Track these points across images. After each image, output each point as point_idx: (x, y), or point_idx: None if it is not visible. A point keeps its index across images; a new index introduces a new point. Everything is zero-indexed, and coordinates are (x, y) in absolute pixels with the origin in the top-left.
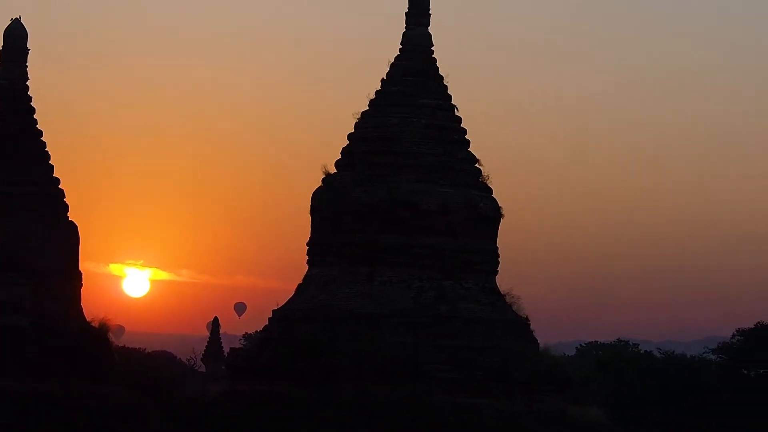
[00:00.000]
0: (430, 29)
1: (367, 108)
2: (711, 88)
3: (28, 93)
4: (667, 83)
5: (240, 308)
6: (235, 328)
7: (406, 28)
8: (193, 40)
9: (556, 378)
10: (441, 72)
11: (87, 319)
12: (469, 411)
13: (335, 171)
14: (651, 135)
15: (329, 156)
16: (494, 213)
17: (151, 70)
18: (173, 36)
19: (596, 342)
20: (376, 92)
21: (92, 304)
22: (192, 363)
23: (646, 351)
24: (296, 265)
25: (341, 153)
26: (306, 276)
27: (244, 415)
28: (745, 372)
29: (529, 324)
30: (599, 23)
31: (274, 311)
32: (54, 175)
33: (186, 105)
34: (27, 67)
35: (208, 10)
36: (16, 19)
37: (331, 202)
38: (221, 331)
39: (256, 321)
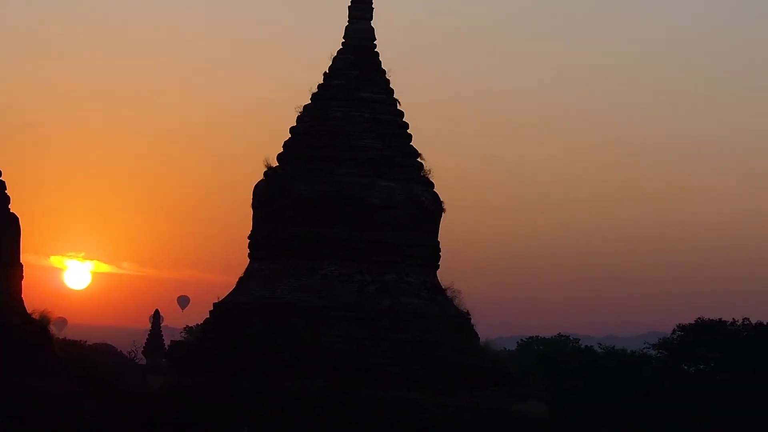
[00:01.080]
0: (372, 23)
1: (310, 102)
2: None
3: None
4: (605, 73)
5: (183, 301)
6: (178, 321)
7: (348, 22)
8: (133, 32)
9: (497, 372)
10: (383, 66)
11: (28, 312)
12: (409, 405)
13: (277, 164)
14: (592, 128)
15: (272, 149)
16: (436, 207)
17: (93, 62)
18: (114, 27)
19: (537, 337)
20: (319, 86)
21: (33, 296)
22: (133, 356)
23: (586, 346)
24: (239, 258)
25: (284, 146)
26: (247, 269)
27: (184, 407)
28: (685, 367)
29: (470, 318)
30: (541, 15)
31: (215, 304)
32: None
33: (128, 98)
34: None
35: (149, 1)
36: None
37: (273, 196)
38: (164, 324)
39: (200, 314)
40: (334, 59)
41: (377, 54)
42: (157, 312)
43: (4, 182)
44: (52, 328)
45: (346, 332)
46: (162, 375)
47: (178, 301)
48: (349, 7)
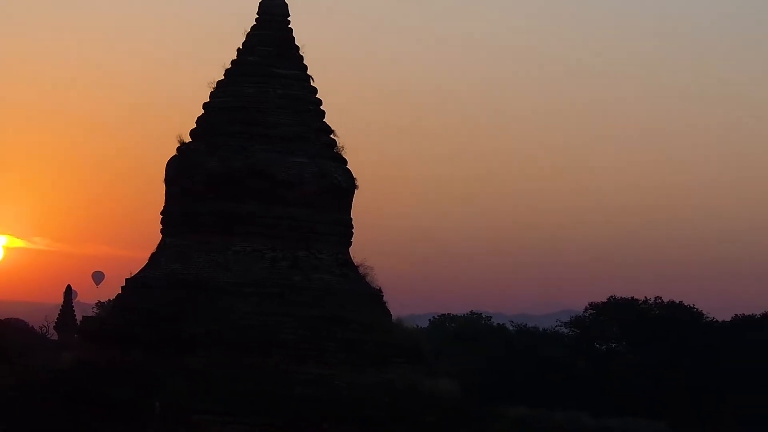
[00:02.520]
0: None
1: (223, 78)
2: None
3: None
4: (512, 48)
5: (98, 277)
6: (92, 297)
7: None
8: (47, 12)
9: (408, 350)
10: (297, 42)
11: None
12: (320, 382)
13: (190, 140)
14: (505, 105)
15: (185, 126)
16: (349, 184)
17: (8, 42)
18: (26, 6)
19: (449, 314)
20: (232, 62)
21: None
22: (45, 331)
23: (499, 324)
24: (154, 234)
25: (196, 122)
26: (160, 245)
27: (95, 383)
28: (597, 345)
29: (383, 295)
30: None
31: (127, 280)
32: None
33: (42, 75)
34: None
35: None
36: None
37: (185, 172)
38: (78, 300)
39: (114, 290)
40: (248, 35)
41: (291, 30)
42: (69, 287)
43: None
44: None
45: (257, 308)
46: (73, 350)
47: (92, 277)
48: None
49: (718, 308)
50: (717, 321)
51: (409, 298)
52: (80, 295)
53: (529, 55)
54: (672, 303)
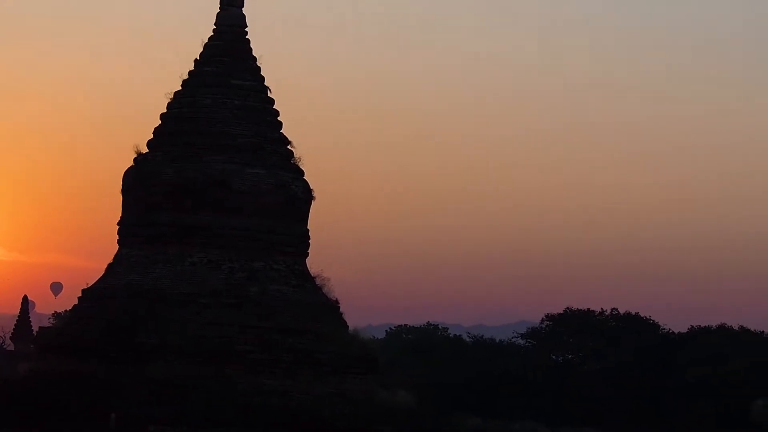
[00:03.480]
0: (244, 10)
1: (180, 88)
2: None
3: None
4: (476, 59)
5: (56, 288)
6: (51, 308)
7: (220, 8)
8: (1, 23)
9: (365, 361)
10: (255, 53)
11: None
12: (276, 393)
13: (147, 151)
14: (465, 115)
15: (142, 136)
16: (305, 195)
17: None
18: None
19: (406, 325)
20: (189, 73)
21: None
22: (1, 342)
23: (455, 335)
24: (111, 244)
25: (153, 133)
26: (116, 255)
27: (51, 393)
28: (554, 357)
29: (339, 306)
30: (411, 4)
31: (84, 290)
32: None
33: None
34: None
35: None
36: None
37: (143, 182)
38: (36, 310)
39: (73, 300)
40: (206, 46)
41: (248, 41)
42: (25, 298)
43: None
44: None
45: (214, 319)
46: (30, 361)
47: (51, 288)
48: None
49: (674, 320)
50: (673, 332)
51: (365, 310)
52: (38, 306)
53: (488, 67)
54: (628, 314)
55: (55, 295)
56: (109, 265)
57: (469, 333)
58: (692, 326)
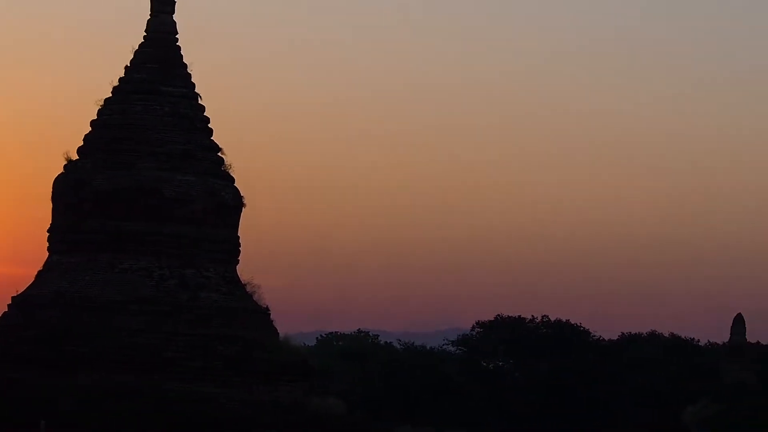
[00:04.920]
0: (174, 17)
1: (111, 95)
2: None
3: None
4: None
5: None
6: None
7: (150, 15)
8: None
9: (296, 368)
10: (185, 60)
11: None
12: (207, 400)
13: (77, 158)
14: (398, 123)
15: (72, 143)
16: (236, 202)
17: None
18: None
19: (336, 332)
20: (120, 79)
21: None
22: None
23: (386, 342)
24: (41, 251)
25: (84, 140)
26: (47, 263)
27: None
28: (484, 364)
29: (270, 313)
30: (357, 13)
31: (13, 298)
32: None
33: None
34: None
35: None
36: None
37: (73, 189)
38: None
39: (1, 308)
40: (136, 53)
41: (179, 48)
42: None
43: None
44: None
45: (145, 326)
46: None
47: None
48: (150, 0)
49: (605, 327)
50: (603, 339)
51: (296, 317)
52: None
53: (417, 70)
54: (559, 321)
55: None
56: (39, 272)
57: (399, 340)
58: (623, 333)
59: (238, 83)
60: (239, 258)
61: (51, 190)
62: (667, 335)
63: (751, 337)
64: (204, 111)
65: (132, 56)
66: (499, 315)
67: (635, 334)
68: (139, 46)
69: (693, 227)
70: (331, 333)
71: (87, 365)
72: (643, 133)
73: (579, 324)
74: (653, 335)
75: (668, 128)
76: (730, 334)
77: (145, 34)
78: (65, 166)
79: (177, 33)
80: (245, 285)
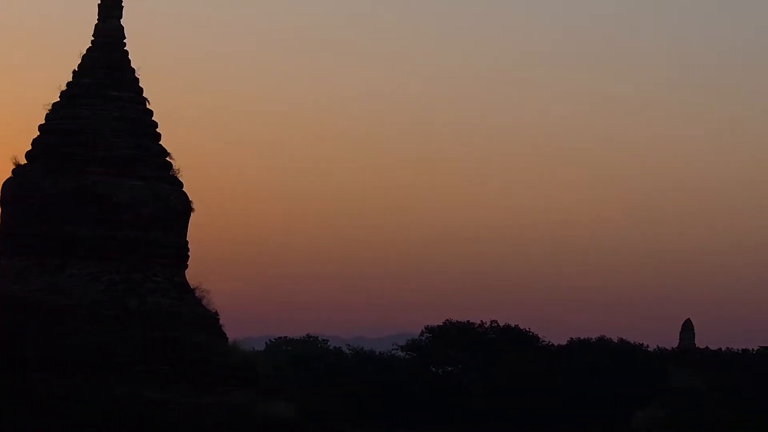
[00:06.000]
0: (122, 21)
1: (59, 100)
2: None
3: None
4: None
5: None
6: None
7: (98, 20)
8: None
9: (244, 372)
10: (133, 65)
11: None
12: (155, 405)
13: (26, 162)
14: (349, 123)
15: (20, 148)
16: (184, 207)
17: None
18: None
19: (286, 337)
20: (68, 84)
21: None
22: None
23: (335, 347)
24: None
25: (32, 144)
26: None
27: None
28: (434, 369)
29: (219, 318)
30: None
31: None
32: None
33: None
34: None
35: None
36: None
37: (21, 194)
38: None
39: None
40: (83, 57)
41: (126, 52)
42: None
43: None
44: None
45: (93, 330)
46: None
47: None
48: (98, 4)
49: (554, 332)
50: (553, 345)
51: (245, 322)
52: None
53: (371, 69)
54: (508, 326)
55: None
56: None
57: (348, 345)
58: (571, 338)
59: (186, 87)
60: (188, 263)
61: None
62: (616, 341)
63: (699, 343)
64: (152, 116)
65: (80, 60)
66: (448, 320)
67: (584, 339)
68: (87, 50)
69: (642, 233)
70: (280, 338)
71: (35, 370)
72: (587, 138)
73: (528, 329)
74: (602, 340)
75: (612, 135)
76: (679, 339)
77: (93, 38)
78: (13, 171)
79: (125, 37)
80: (194, 290)
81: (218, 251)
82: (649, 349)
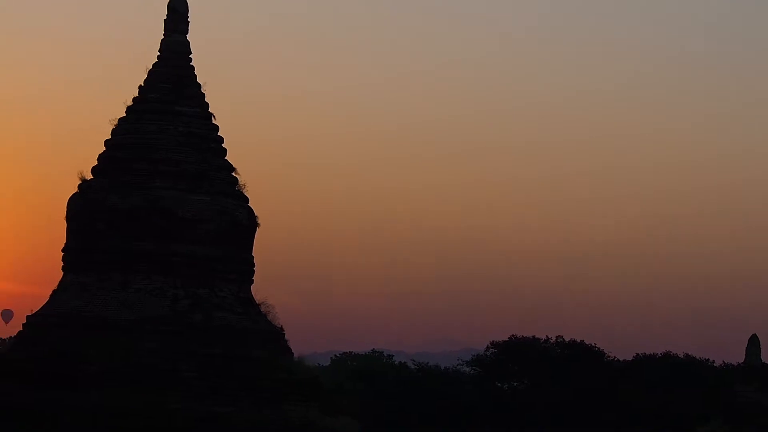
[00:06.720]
0: (188, 36)
1: (124, 115)
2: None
3: None
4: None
5: (7, 315)
6: (1, 335)
7: (164, 35)
8: None
9: (308, 388)
10: (199, 80)
11: None
12: (219, 420)
13: (92, 177)
14: (414, 143)
15: (86, 162)
16: (250, 222)
17: None
18: None
19: (351, 352)
20: (134, 99)
21: None
22: None
23: (400, 362)
24: (57, 271)
25: (98, 159)
26: (61, 282)
27: None
28: (498, 384)
29: (284, 334)
30: (361, 23)
31: (28, 317)
32: None
33: None
34: None
35: None
36: None
37: (86, 208)
38: None
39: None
40: (149, 72)
41: (192, 67)
42: None
43: None
44: None
45: (158, 346)
46: None
47: (1, 315)
48: (164, 20)
49: (619, 348)
50: (618, 360)
51: (310, 337)
52: None
53: (433, 95)
54: (573, 342)
55: (6, 323)
56: (54, 291)
57: (413, 360)
58: (637, 354)
59: (253, 103)
60: (253, 278)
61: (65, 209)
62: (681, 356)
63: (766, 358)
64: (218, 131)
65: (146, 75)
66: (513, 335)
67: (650, 354)
68: (153, 65)
69: (710, 250)
70: (345, 353)
71: (98, 385)
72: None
73: (594, 344)
74: (667, 356)
75: (688, 157)
76: (745, 355)
77: (159, 53)
78: (79, 186)
79: (191, 52)
80: (259, 305)
81: (284, 266)
82: (715, 364)
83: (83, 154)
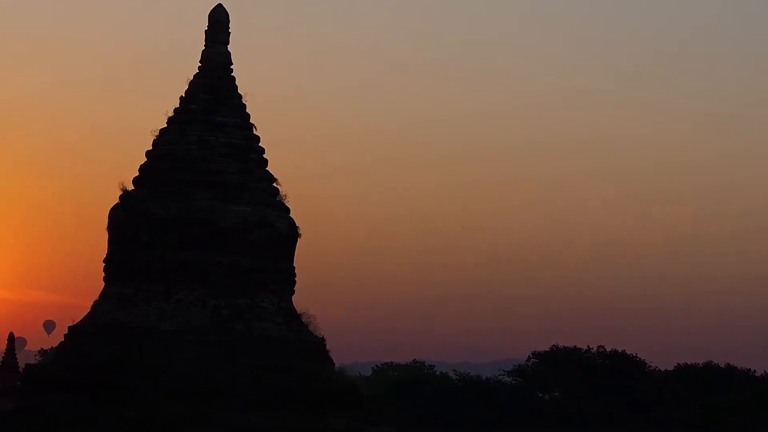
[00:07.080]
0: (229, 48)
1: (166, 125)
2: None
3: None
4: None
5: (49, 326)
6: (43, 346)
7: (205, 46)
8: None
9: (349, 397)
10: (240, 91)
11: None
12: (259, 429)
13: (133, 188)
14: (451, 153)
15: (128, 173)
16: (291, 232)
17: None
18: None
19: (392, 363)
20: (175, 110)
21: None
22: None
23: (441, 372)
24: (99, 282)
25: (139, 170)
26: (102, 293)
27: (33, 429)
28: (540, 394)
29: (325, 344)
30: (398, 38)
31: (69, 328)
32: None
33: None
34: None
35: (6, 20)
36: None
37: (128, 219)
38: (28, 348)
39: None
40: (191, 83)
41: (234, 78)
42: (11, 335)
43: None
44: None
45: (199, 356)
46: (13, 397)
47: (43, 326)
48: (205, 31)
49: (661, 357)
50: (659, 370)
51: (352, 347)
52: (30, 344)
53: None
54: (614, 352)
55: (48, 333)
56: (95, 302)
57: (455, 370)
58: (679, 364)
59: (294, 112)
60: (294, 288)
61: (107, 220)
62: (723, 366)
63: None
64: (259, 141)
65: (187, 87)
66: (554, 345)
67: (691, 364)
68: (194, 76)
69: (749, 258)
70: (386, 363)
71: (139, 395)
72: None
73: (635, 354)
74: (709, 365)
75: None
76: None
77: (200, 64)
78: (121, 197)
79: (231, 63)
80: (301, 315)
81: (325, 277)
82: (756, 374)
83: (125, 164)
